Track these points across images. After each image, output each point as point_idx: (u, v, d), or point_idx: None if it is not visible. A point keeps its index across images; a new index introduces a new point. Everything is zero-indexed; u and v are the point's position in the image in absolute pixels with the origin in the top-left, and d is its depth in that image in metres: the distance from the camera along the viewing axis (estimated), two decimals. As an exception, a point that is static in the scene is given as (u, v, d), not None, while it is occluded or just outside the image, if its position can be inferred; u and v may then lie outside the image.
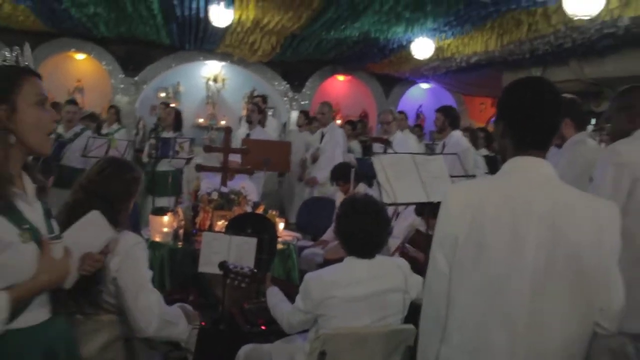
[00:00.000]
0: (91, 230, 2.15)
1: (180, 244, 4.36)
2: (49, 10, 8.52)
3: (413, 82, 13.41)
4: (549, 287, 1.67)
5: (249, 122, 7.34)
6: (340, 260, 2.75)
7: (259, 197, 5.73)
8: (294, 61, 11.57)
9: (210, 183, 4.99)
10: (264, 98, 9.16)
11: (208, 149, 5.47)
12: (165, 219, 4.39)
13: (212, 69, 12.44)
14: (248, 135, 7.15)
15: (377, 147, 6.35)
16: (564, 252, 1.67)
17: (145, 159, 6.92)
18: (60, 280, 1.80)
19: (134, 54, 11.46)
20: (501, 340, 1.68)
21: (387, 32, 8.31)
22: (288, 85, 12.67)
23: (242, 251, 3.51)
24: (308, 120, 9.53)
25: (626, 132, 2.72)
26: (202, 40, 10.33)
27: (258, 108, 7.49)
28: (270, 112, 12.55)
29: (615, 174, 2.57)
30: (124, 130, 8.58)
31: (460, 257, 1.73)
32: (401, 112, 9.06)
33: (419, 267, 3.11)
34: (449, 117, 5.99)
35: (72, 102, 7.06)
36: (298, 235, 5.28)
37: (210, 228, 4.42)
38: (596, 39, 6.63)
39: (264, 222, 4.28)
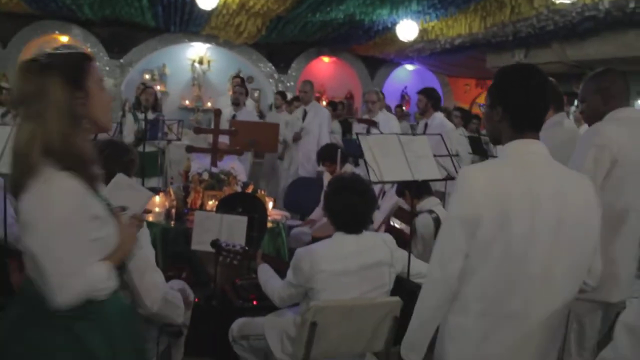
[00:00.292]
0: (129, 193, 2.20)
1: (172, 223, 4.45)
2: (33, -8, 8.48)
3: (398, 64, 13.47)
4: (557, 257, 1.87)
5: (236, 104, 7.38)
6: (328, 238, 2.85)
7: (247, 177, 5.82)
8: (280, 43, 11.56)
9: (200, 164, 5.07)
10: (242, 79, 9.15)
11: (198, 130, 5.54)
12: (157, 198, 4.47)
13: (197, 50, 12.41)
14: (234, 116, 7.20)
15: (359, 127, 6.44)
16: (568, 226, 1.87)
17: (129, 138, 6.86)
18: (132, 249, 1.96)
19: (119, 36, 11.37)
20: (518, 306, 1.88)
21: (372, 14, 8.37)
22: (274, 67, 12.68)
23: (233, 229, 3.60)
24: (286, 102, 9.62)
25: (601, 113, 2.83)
26: (187, 22, 10.30)
27: (246, 90, 7.57)
28: (255, 94, 12.62)
29: (597, 154, 2.66)
30: (110, 112, 8.55)
31: (482, 235, 1.86)
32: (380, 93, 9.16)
33: (404, 241, 3.25)
34: (431, 99, 6.13)
35: None
36: (287, 214, 5.39)
37: (202, 207, 4.51)
38: (577, 22, 6.75)
39: (254, 201, 4.38)
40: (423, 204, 4.20)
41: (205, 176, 4.66)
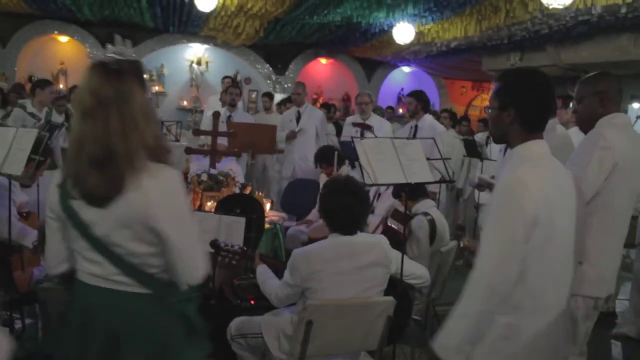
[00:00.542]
0: None
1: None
2: (33, -7, 8.53)
3: (395, 66, 13.53)
4: (573, 249, 2.09)
5: (232, 105, 7.40)
6: (323, 239, 2.92)
7: (243, 179, 5.87)
8: (277, 44, 11.61)
9: (198, 165, 5.13)
10: (234, 80, 9.15)
11: (197, 132, 5.58)
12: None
13: (195, 51, 12.47)
14: (229, 117, 7.24)
15: (351, 130, 6.48)
16: (575, 218, 2.09)
17: None
18: None
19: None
20: (553, 299, 2.07)
21: (369, 17, 8.43)
22: (271, 69, 12.74)
23: (232, 230, 3.65)
24: (277, 104, 9.67)
25: (597, 115, 2.87)
26: (185, 23, 10.35)
27: (241, 92, 7.63)
28: (253, 95, 12.67)
29: (601, 157, 2.72)
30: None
31: (539, 235, 1.95)
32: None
33: (398, 242, 3.32)
34: (421, 102, 6.22)
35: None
36: (284, 215, 5.45)
37: (200, 208, 4.56)
38: (571, 26, 6.81)
39: (252, 202, 4.45)
40: (418, 206, 4.27)
41: (204, 177, 4.73)
